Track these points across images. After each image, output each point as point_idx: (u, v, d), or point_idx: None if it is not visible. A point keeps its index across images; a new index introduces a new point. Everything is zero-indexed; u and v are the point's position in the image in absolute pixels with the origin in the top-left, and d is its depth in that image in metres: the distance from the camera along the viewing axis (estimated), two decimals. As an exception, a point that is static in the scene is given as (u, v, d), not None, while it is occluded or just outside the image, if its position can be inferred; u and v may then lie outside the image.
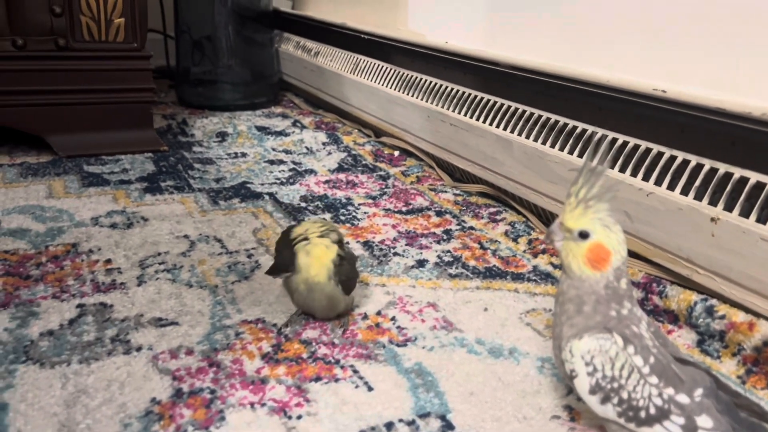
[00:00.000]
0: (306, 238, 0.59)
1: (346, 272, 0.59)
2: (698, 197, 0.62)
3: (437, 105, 1.03)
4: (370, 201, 0.94)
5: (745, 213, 0.58)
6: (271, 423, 0.48)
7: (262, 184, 0.99)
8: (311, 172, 1.06)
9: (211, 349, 0.56)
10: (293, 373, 0.53)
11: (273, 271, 0.61)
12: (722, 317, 0.58)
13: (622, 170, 0.70)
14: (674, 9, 0.72)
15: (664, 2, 0.74)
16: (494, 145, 0.90)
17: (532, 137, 0.83)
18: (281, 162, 1.10)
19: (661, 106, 0.67)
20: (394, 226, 0.84)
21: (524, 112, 0.86)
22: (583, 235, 0.44)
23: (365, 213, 0.89)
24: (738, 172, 0.60)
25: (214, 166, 1.07)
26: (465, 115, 0.96)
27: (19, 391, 0.50)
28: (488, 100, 0.93)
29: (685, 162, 0.64)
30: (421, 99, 1.08)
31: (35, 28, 1.03)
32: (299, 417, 0.48)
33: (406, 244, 0.79)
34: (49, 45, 1.04)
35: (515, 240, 0.81)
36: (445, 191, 0.99)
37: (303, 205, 0.91)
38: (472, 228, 0.85)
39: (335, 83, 1.38)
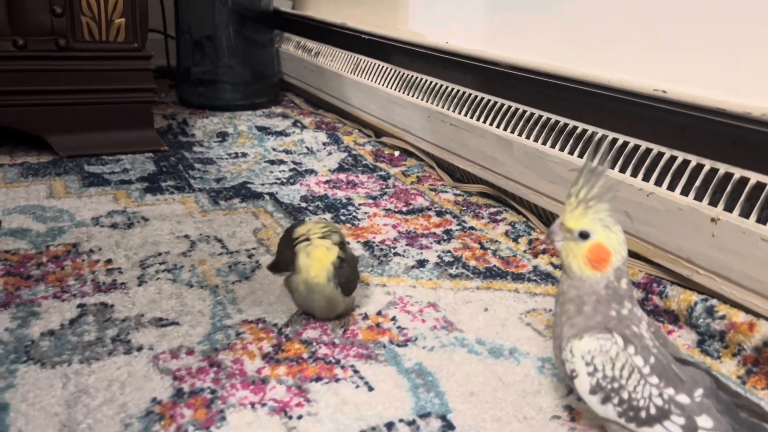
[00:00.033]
0: (307, 239, 0.59)
1: (346, 274, 0.59)
2: (698, 197, 0.62)
3: (437, 105, 1.03)
4: (371, 201, 0.94)
5: (746, 213, 0.58)
6: (271, 423, 0.48)
7: (263, 184, 0.99)
8: (312, 172, 1.06)
9: (211, 349, 0.56)
10: (294, 373, 0.53)
11: (273, 268, 0.62)
12: (722, 317, 0.58)
13: (623, 170, 0.70)
14: (674, 9, 0.72)
15: (664, 2, 0.74)
16: (494, 146, 0.90)
17: (532, 137, 0.83)
18: (282, 162, 1.11)
19: (661, 107, 0.67)
20: (394, 226, 0.85)
21: (524, 112, 0.86)
22: (584, 236, 0.44)
23: (366, 213, 0.89)
24: (738, 173, 0.60)
25: (214, 166, 1.07)
26: (465, 115, 0.96)
27: (20, 390, 0.50)
28: (488, 101, 0.93)
29: (686, 162, 0.64)
30: (422, 99, 1.08)
31: (36, 28, 1.03)
32: (300, 417, 0.48)
33: (406, 244, 0.79)
34: (50, 45, 1.04)
35: (515, 240, 0.81)
36: (446, 191, 0.99)
37: (303, 205, 0.91)
38: (472, 228, 0.85)
39: (336, 83, 1.38)
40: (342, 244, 0.60)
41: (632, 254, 0.68)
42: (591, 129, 0.76)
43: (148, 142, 1.13)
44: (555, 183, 0.79)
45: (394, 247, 0.78)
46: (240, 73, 1.52)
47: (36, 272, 0.68)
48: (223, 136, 1.25)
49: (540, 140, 0.82)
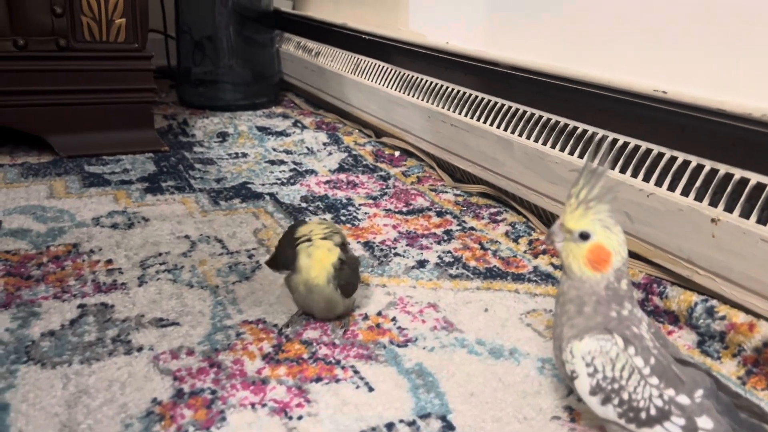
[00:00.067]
0: (309, 239, 0.59)
1: (346, 276, 0.59)
2: (699, 198, 0.62)
3: (438, 105, 1.03)
4: (371, 201, 0.94)
5: (746, 214, 0.58)
6: (271, 423, 0.48)
7: (263, 185, 0.99)
8: (312, 172, 1.06)
9: (212, 349, 0.56)
10: (294, 374, 0.53)
11: (272, 264, 0.62)
12: (722, 318, 0.58)
13: (623, 171, 0.70)
14: (674, 9, 0.72)
15: (665, 3, 0.74)
16: (495, 146, 0.90)
17: (532, 138, 0.83)
18: (282, 162, 1.11)
19: (661, 107, 0.67)
20: (394, 227, 0.85)
21: (525, 112, 0.86)
22: (584, 236, 0.44)
23: (366, 213, 0.89)
24: (738, 173, 0.60)
25: (214, 166, 1.07)
26: (466, 115, 0.96)
27: (21, 391, 0.50)
28: (489, 101, 0.93)
29: (686, 163, 0.64)
30: (422, 99, 1.08)
31: (36, 29, 1.03)
32: (300, 417, 0.48)
33: (406, 245, 0.79)
34: (50, 45, 1.04)
35: (516, 240, 0.81)
36: (446, 192, 0.99)
37: (304, 205, 0.91)
38: (472, 228, 0.85)
39: (336, 83, 1.38)
40: (343, 246, 0.60)
41: (632, 255, 0.68)
42: (591, 129, 0.76)
43: (148, 142, 1.13)
44: (555, 183, 0.79)
45: (395, 248, 0.78)
46: (240, 74, 1.52)
47: (36, 272, 0.68)
48: (223, 136, 1.25)
49: (540, 141, 0.82)
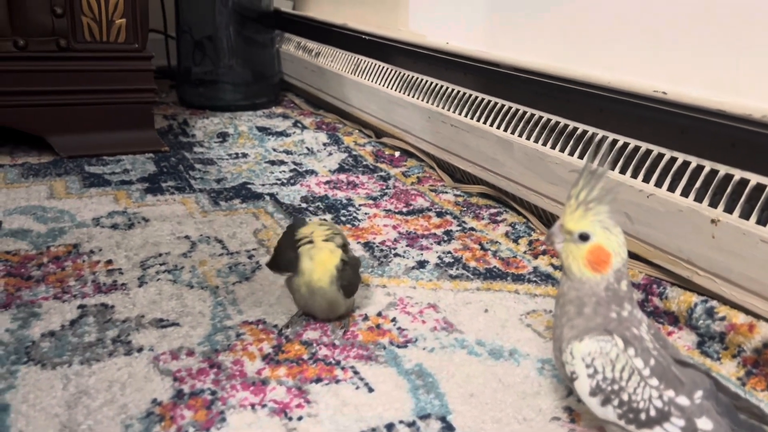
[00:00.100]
0: (311, 241, 0.59)
1: (349, 277, 0.59)
2: (698, 199, 0.62)
3: (438, 106, 1.03)
4: (371, 202, 0.94)
5: (746, 215, 0.58)
6: (271, 424, 0.48)
7: (263, 185, 0.99)
8: (312, 172, 1.06)
9: (212, 350, 0.56)
10: (294, 374, 0.53)
11: (273, 266, 0.62)
12: (722, 319, 0.58)
13: (623, 172, 0.70)
14: (674, 10, 0.73)
15: (665, 3, 0.74)
16: (495, 146, 0.90)
17: (532, 138, 0.83)
18: (282, 162, 1.11)
19: (661, 108, 0.67)
20: (394, 227, 0.85)
21: (525, 113, 0.86)
22: (584, 237, 0.44)
23: (366, 214, 0.89)
24: (738, 174, 0.60)
25: (215, 166, 1.07)
26: (466, 116, 0.96)
27: (21, 392, 0.50)
28: (489, 101, 0.93)
29: (686, 164, 0.64)
30: (422, 100, 1.08)
31: (36, 29, 1.03)
32: (300, 418, 0.48)
33: (406, 245, 0.79)
34: (51, 46, 1.04)
35: (516, 241, 0.81)
36: (446, 192, 0.99)
37: (304, 205, 0.91)
38: (472, 229, 0.85)
39: (336, 84, 1.38)
40: (344, 247, 0.60)
41: (632, 255, 0.68)
42: (591, 130, 0.76)
43: (148, 142, 1.13)
44: (555, 184, 0.79)
45: (395, 248, 0.78)
46: (240, 74, 1.52)
47: (37, 273, 0.68)
48: (223, 136, 1.25)
49: (540, 141, 0.82)
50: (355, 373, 0.54)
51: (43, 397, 0.49)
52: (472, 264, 0.75)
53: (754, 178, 0.58)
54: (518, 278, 0.72)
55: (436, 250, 0.78)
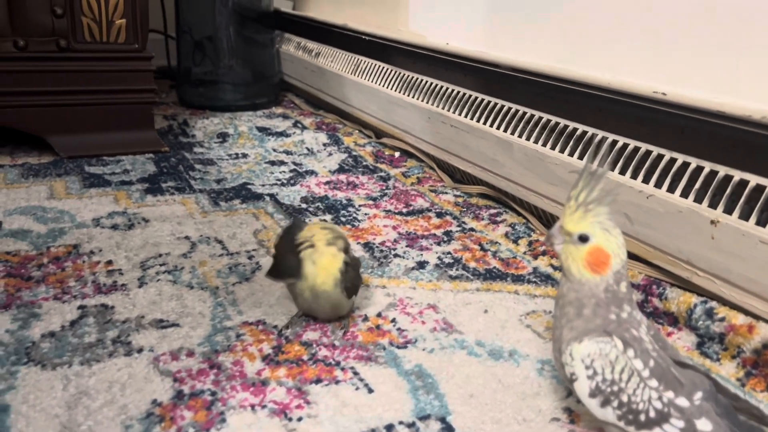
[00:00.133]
0: (312, 245, 0.58)
1: (351, 279, 0.59)
2: (698, 200, 0.62)
3: (438, 106, 1.03)
4: (371, 202, 0.94)
5: (745, 216, 0.58)
6: (271, 425, 0.48)
7: (263, 185, 0.99)
8: (312, 173, 1.06)
9: (211, 350, 0.56)
10: (294, 375, 0.54)
11: (275, 275, 0.61)
12: (722, 319, 0.58)
13: (623, 172, 0.70)
14: (674, 11, 0.73)
15: (665, 4, 0.74)
16: (495, 147, 0.90)
17: (532, 139, 0.83)
18: (282, 163, 1.11)
19: (661, 109, 0.67)
20: (394, 228, 0.85)
21: (525, 113, 0.86)
22: (583, 239, 0.44)
23: (366, 214, 0.89)
24: (738, 175, 0.60)
25: (214, 166, 1.07)
26: (466, 116, 0.97)
27: (21, 392, 0.50)
28: (489, 102, 0.93)
29: (685, 164, 0.64)
30: (422, 100, 1.08)
31: (36, 29, 1.03)
32: (300, 419, 0.48)
33: (406, 246, 0.79)
34: (51, 46, 1.04)
35: (515, 242, 0.81)
36: (446, 192, 0.99)
37: (304, 206, 0.91)
38: (472, 229, 0.85)
39: (336, 84, 1.38)
40: (346, 249, 0.60)
41: (632, 256, 0.68)
42: (591, 131, 0.76)
43: (148, 142, 1.13)
44: (555, 185, 0.79)
45: (394, 249, 0.78)
46: (240, 74, 1.52)
47: (37, 273, 0.68)
48: (223, 136, 1.25)
49: (540, 142, 0.82)
50: (355, 373, 0.54)
51: (43, 397, 0.50)
52: (472, 264, 0.75)
53: (754, 179, 0.58)
54: (518, 279, 0.72)
55: (435, 251, 0.78)
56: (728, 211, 0.59)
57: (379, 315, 0.63)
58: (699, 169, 0.63)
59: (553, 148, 0.80)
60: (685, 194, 0.63)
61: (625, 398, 0.42)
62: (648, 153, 0.68)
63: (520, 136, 0.86)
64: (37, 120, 1.06)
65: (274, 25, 1.59)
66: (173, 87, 1.61)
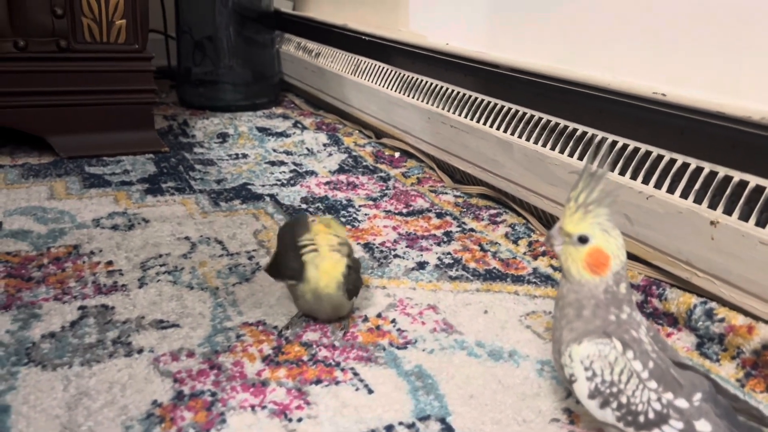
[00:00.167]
0: (316, 249, 0.58)
1: (353, 281, 0.59)
2: (698, 200, 0.62)
3: (438, 107, 1.03)
4: (371, 202, 0.94)
5: (745, 216, 0.58)
6: (271, 425, 0.48)
7: (263, 186, 0.99)
8: (312, 173, 1.06)
9: (212, 351, 0.56)
10: (294, 376, 0.54)
11: (275, 273, 0.61)
12: (721, 320, 0.58)
13: (622, 173, 0.70)
14: (674, 11, 0.73)
15: (665, 5, 0.74)
16: (495, 147, 0.90)
17: (532, 139, 0.83)
18: (282, 163, 1.11)
19: (661, 109, 0.67)
20: (394, 228, 0.85)
21: (525, 114, 0.86)
22: (583, 240, 0.44)
23: (366, 215, 0.89)
24: (737, 176, 0.60)
25: (215, 167, 1.07)
26: (466, 117, 0.97)
27: (21, 393, 0.50)
28: (489, 102, 0.93)
29: (685, 165, 0.64)
30: (422, 101, 1.08)
31: (37, 30, 1.03)
32: (300, 420, 0.49)
33: (406, 246, 0.79)
34: (51, 46, 1.04)
35: (515, 242, 0.81)
36: (446, 193, 0.99)
37: (304, 206, 0.92)
38: (472, 230, 0.85)
39: (336, 84, 1.38)
40: (350, 254, 0.60)
41: (632, 257, 0.68)
42: (591, 131, 0.76)
43: (148, 143, 1.13)
44: (555, 185, 0.80)
45: (394, 249, 0.78)
46: (240, 74, 1.52)
47: (37, 274, 0.68)
48: (223, 137, 1.25)
49: (540, 142, 0.82)
50: (355, 374, 0.54)
51: (43, 398, 0.50)
52: (472, 265, 0.75)
53: (754, 180, 0.58)
54: (518, 279, 0.72)
55: (435, 251, 0.78)
56: (728, 211, 0.59)
57: (379, 315, 0.64)
58: (699, 170, 0.63)
59: (553, 148, 0.80)
60: (684, 195, 0.63)
61: (624, 399, 0.42)
62: (648, 154, 0.68)
63: (520, 136, 0.86)
64: (37, 120, 1.06)
65: (274, 26, 1.59)
66: (173, 87, 1.61)
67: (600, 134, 0.75)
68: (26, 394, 0.50)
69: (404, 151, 1.17)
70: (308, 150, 1.19)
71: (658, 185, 0.66)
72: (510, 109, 0.89)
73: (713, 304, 0.60)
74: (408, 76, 1.13)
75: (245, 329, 0.60)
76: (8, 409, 0.48)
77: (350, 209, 0.91)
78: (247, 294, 0.67)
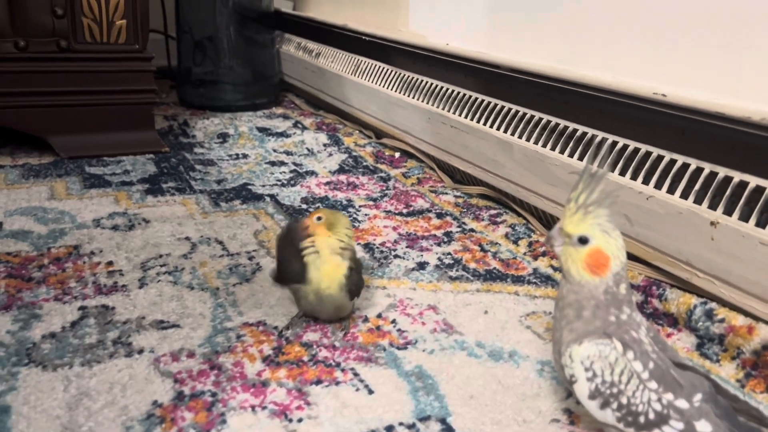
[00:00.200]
0: (317, 252, 0.58)
1: (355, 281, 0.59)
2: (698, 201, 0.62)
3: (438, 107, 1.03)
4: (371, 203, 0.94)
5: (745, 217, 0.58)
6: (272, 426, 0.48)
7: (263, 186, 0.99)
8: (312, 173, 1.06)
9: (212, 351, 0.57)
10: (294, 376, 0.54)
11: (281, 280, 0.61)
12: (722, 321, 0.58)
13: (623, 173, 0.70)
14: (675, 10, 0.73)
15: (665, 5, 0.74)
16: (495, 148, 0.90)
17: (532, 140, 0.83)
18: (282, 163, 1.11)
19: (661, 110, 0.67)
20: (394, 228, 0.85)
21: (525, 114, 0.86)
22: (583, 241, 0.44)
23: (366, 215, 0.89)
24: (737, 176, 0.60)
25: (215, 167, 1.07)
26: (466, 117, 0.97)
27: (22, 393, 0.50)
28: (489, 103, 0.93)
29: (685, 166, 0.64)
30: (422, 101, 1.08)
31: (37, 30, 1.03)
32: (300, 420, 0.49)
33: (406, 247, 0.79)
34: (51, 46, 1.04)
35: (516, 242, 0.81)
36: (446, 193, 0.99)
37: (304, 206, 0.92)
38: (472, 230, 0.85)
39: (336, 84, 1.38)
40: (353, 257, 0.60)
41: (632, 257, 0.68)
42: (591, 132, 0.76)
43: (149, 143, 1.13)
44: (555, 185, 0.80)
45: (395, 249, 0.78)
46: (241, 74, 1.52)
47: (37, 274, 0.68)
48: (223, 137, 1.26)
49: (540, 143, 0.82)
50: (355, 374, 0.54)
51: (44, 398, 0.50)
52: (472, 265, 0.75)
53: (754, 181, 0.58)
54: (518, 280, 0.72)
55: (436, 252, 0.78)
56: (728, 212, 0.59)
57: (379, 316, 0.64)
58: (699, 171, 0.63)
59: (553, 149, 0.80)
60: (685, 195, 0.63)
61: (624, 400, 0.42)
62: (648, 154, 0.68)
63: (520, 137, 0.86)
64: (37, 120, 1.06)
65: (274, 26, 1.59)
66: (173, 87, 1.61)
67: (600, 135, 0.75)
68: (27, 395, 0.50)
69: (404, 152, 1.17)
70: (308, 150, 1.19)
71: (658, 186, 0.66)
72: (510, 109, 0.89)
73: (713, 305, 0.60)
74: (408, 77, 1.13)
75: (245, 329, 0.60)
76: (9, 410, 0.48)
77: (350, 209, 0.91)
78: (248, 294, 0.67)
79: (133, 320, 0.61)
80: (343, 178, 1.04)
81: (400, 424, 0.49)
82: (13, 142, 1.11)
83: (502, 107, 0.90)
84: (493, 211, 0.91)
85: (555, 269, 0.74)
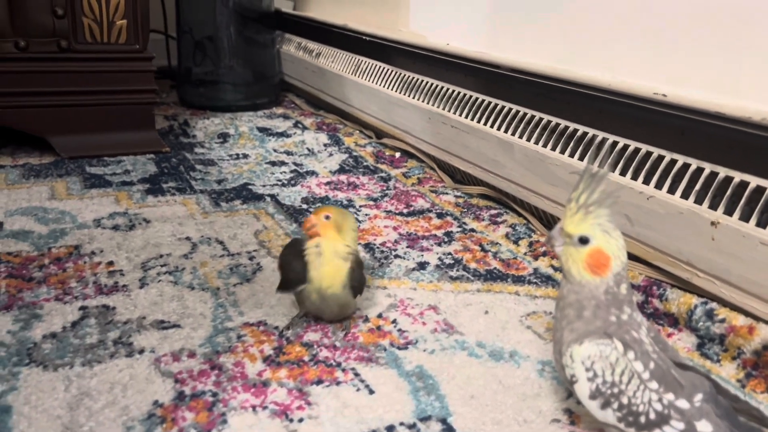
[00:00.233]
0: (320, 253, 0.58)
1: (357, 278, 0.59)
2: (698, 201, 0.62)
3: (438, 107, 1.03)
4: (371, 203, 0.94)
5: (745, 217, 0.58)
6: (272, 426, 0.48)
7: (264, 186, 0.99)
8: (312, 173, 1.06)
9: (213, 351, 0.57)
10: (295, 376, 0.54)
11: (285, 287, 0.60)
12: (722, 321, 0.58)
13: (623, 174, 0.70)
14: (675, 10, 0.73)
15: (665, 5, 0.74)
16: (495, 148, 0.90)
17: (533, 140, 0.83)
18: (283, 163, 1.11)
19: (661, 110, 0.67)
20: (395, 228, 0.85)
21: (525, 114, 0.86)
22: (583, 241, 0.44)
23: (366, 215, 0.89)
24: (738, 176, 0.60)
25: (215, 167, 1.07)
26: (466, 117, 0.97)
27: (23, 393, 0.50)
28: (489, 103, 0.93)
29: (686, 166, 0.64)
30: (423, 101, 1.08)
31: (37, 30, 1.03)
32: (301, 420, 0.49)
33: (407, 247, 0.79)
34: (52, 47, 1.04)
35: (516, 242, 0.81)
36: (446, 193, 0.99)
37: (305, 206, 0.92)
38: (473, 230, 0.85)
39: (336, 84, 1.38)
40: (356, 258, 0.60)
41: (632, 257, 0.68)
42: (591, 132, 0.76)
43: (149, 143, 1.13)
44: (555, 185, 0.80)
45: (395, 249, 0.78)
46: (241, 74, 1.52)
47: (38, 274, 0.68)
48: (224, 137, 1.26)
49: (541, 143, 0.82)
50: (356, 374, 0.54)
51: (44, 398, 0.50)
52: (473, 265, 0.75)
53: (754, 181, 0.58)
54: (518, 280, 0.72)
55: (436, 252, 0.78)
56: (728, 212, 0.59)
57: (379, 316, 0.64)
58: (699, 171, 0.63)
59: (553, 149, 0.80)
60: (685, 195, 0.63)
61: (625, 400, 0.42)
62: (648, 154, 0.68)
63: (520, 137, 0.86)
64: (38, 120, 1.06)
65: (274, 26, 1.59)
66: (174, 87, 1.61)
67: (601, 135, 0.75)
68: (27, 395, 0.50)
69: (405, 152, 1.17)
70: (309, 150, 1.19)
71: (658, 186, 0.66)
72: (511, 109, 0.89)
73: (714, 305, 0.60)
74: (408, 77, 1.13)
75: (246, 329, 0.60)
76: (10, 410, 0.48)
77: (351, 209, 0.91)
78: (248, 294, 0.67)
79: (133, 320, 0.61)
80: (343, 178, 1.04)
81: (401, 424, 0.49)
82: (13, 142, 1.11)
83: (503, 107, 0.90)
84: (493, 211, 0.91)
85: (555, 269, 0.74)
